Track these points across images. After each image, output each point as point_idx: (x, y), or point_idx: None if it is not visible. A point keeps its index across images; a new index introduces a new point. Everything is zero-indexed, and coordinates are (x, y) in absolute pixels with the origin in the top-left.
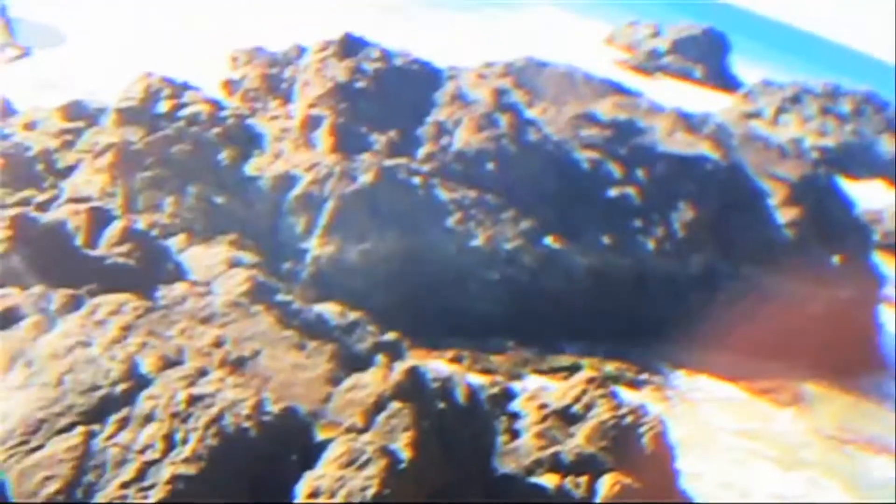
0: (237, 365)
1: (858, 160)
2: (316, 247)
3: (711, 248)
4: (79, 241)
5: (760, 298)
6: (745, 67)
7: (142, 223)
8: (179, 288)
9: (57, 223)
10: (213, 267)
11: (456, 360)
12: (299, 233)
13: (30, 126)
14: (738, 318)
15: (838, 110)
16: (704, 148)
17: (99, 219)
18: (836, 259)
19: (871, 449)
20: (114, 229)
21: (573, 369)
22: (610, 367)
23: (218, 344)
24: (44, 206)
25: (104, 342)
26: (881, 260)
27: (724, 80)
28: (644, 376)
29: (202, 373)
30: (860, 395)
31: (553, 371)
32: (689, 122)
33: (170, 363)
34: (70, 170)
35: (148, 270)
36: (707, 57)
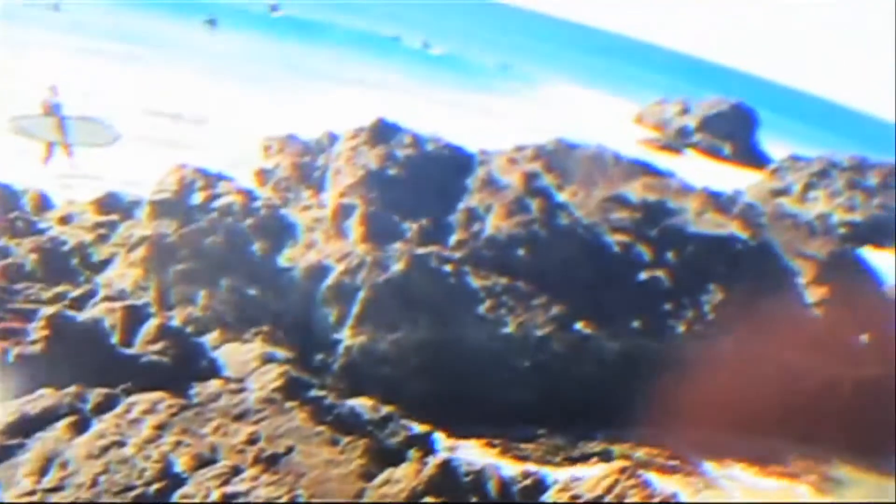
0: (271, 462)
1: (887, 233)
2: (348, 337)
3: (742, 329)
4: (115, 339)
5: (790, 380)
6: (771, 141)
7: (176, 318)
8: (213, 385)
9: (93, 322)
10: (247, 363)
11: (488, 447)
12: (332, 323)
13: (65, 220)
14: (767, 401)
15: (866, 183)
16: (734, 228)
17: (134, 316)
18: (865, 337)
19: None
20: (149, 327)
21: (604, 456)
22: (640, 452)
23: (252, 441)
24: (79, 301)
25: (138, 441)
26: None
27: (753, 156)
28: (675, 462)
29: (236, 471)
30: (889, 476)
31: (585, 458)
32: (719, 202)
33: (204, 461)
34: (105, 263)
35: (182, 368)
36: (736, 133)
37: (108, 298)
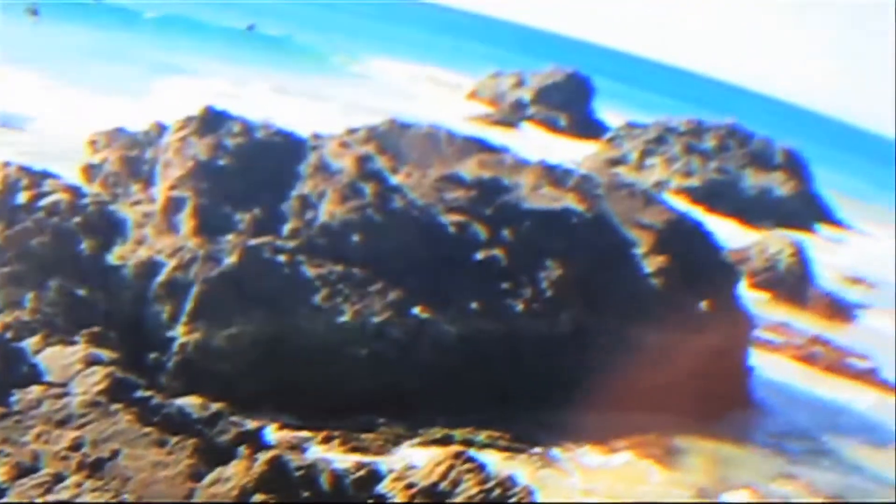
0: (95, 467)
1: (724, 197)
2: (182, 334)
3: (580, 305)
4: None
5: (630, 353)
6: (609, 109)
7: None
8: (35, 391)
9: None
10: (71, 366)
11: (326, 440)
12: (165, 321)
13: None
14: (609, 376)
15: (702, 147)
16: (570, 201)
17: None
18: (704, 304)
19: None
20: None
21: (445, 441)
22: (482, 436)
23: (75, 447)
24: None
25: None
26: (751, 299)
27: (590, 126)
28: (516, 444)
29: (58, 479)
30: (731, 442)
31: (425, 444)
32: (554, 175)
33: (25, 471)
34: None
35: (2, 375)
36: (571, 104)
37: None
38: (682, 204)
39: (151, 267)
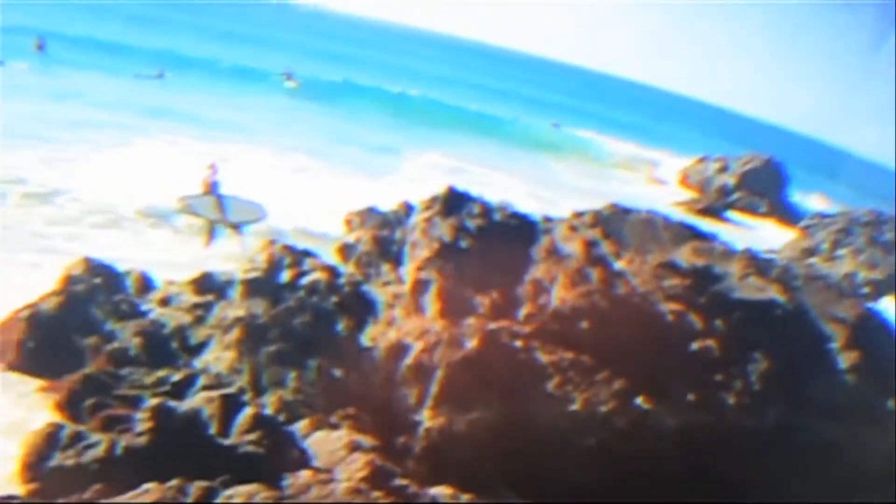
0: None
1: None
2: (427, 419)
3: (785, 400)
4: (212, 429)
5: (825, 452)
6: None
7: (269, 404)
8: (304, 476)
9: (193, 412)
10: (335, 452)
11: None
12: (412, 404)
13: (165, 301)
14: (806, 476)
15: (883, 239)
16: (774, 292)
17: (230, 405)
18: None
19: None
20: (244, 417)
21: None
22: None
23: None
24: (179, 387)
25: None
26: None
27: (786, 212)
28: None
29: None
30: None
31: None
32: (759, 264)
33: None
34: (202, 346)
35: (276, 458)
36: (770, 190)
37: (206, 387)
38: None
39: (400, 349)
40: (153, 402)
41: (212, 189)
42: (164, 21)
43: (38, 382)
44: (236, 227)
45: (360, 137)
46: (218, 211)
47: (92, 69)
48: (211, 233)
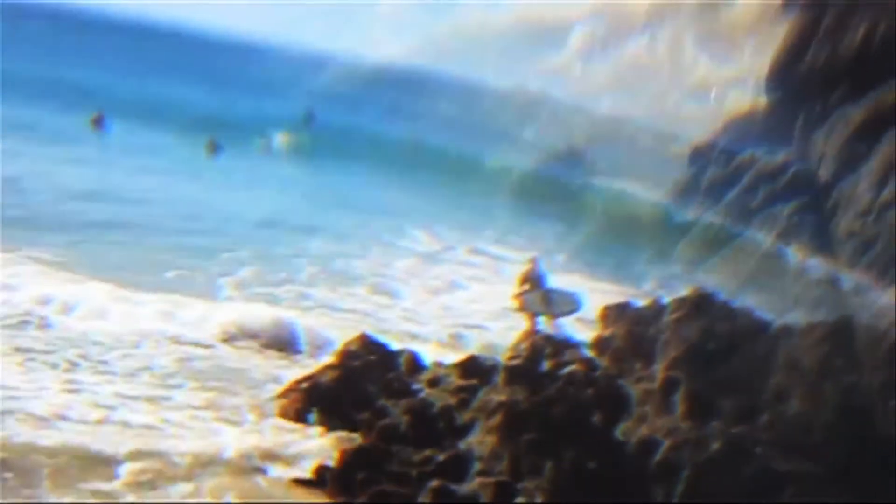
0: None
1: None
2: None
3: None
4: None
5: None
6: None
7: (530, 491)
8: None
9: (472, 495)
10: None
11: None
12: (661, 501)
13: (433, 382)
14: None
15: None
16: None
17: (504, 492)
18: None
19: None
20: None
21: None
22: None
23: None
24: (444, 468)
25: None
26: None
27: None
28: None
29: None
30: None
31: None
32: None
33: None
34: (466, 428)
35: None
36: None
37: (482, 472)
38: None
39: (650, 445)
40: (435, 483)
41: (537, 283)
42: None
43: None
44: (557, 317)
45: None
46: (545, 305)
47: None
48: (534, 324)
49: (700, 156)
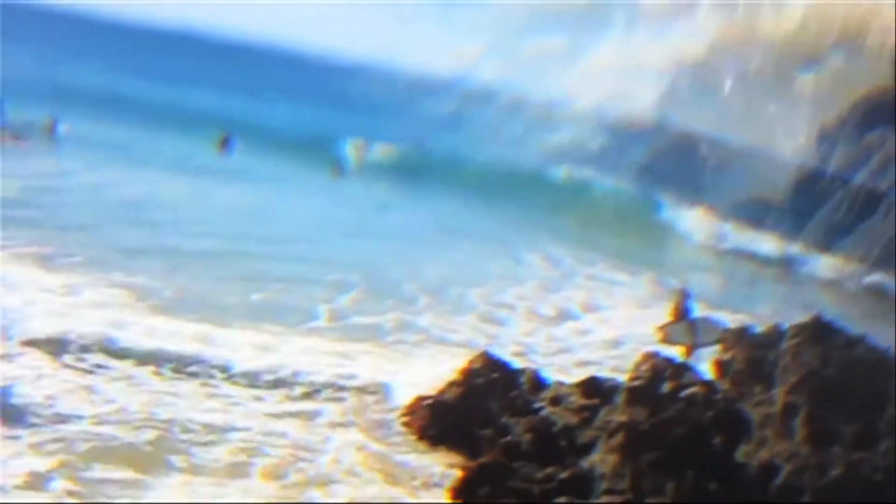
0: None
1: None
2: None
3: None
4: None
5: None
6: None
7: None
8: None
9: None
10: None
11: None
12: None
13: (555, 401)
14: None
15: None
16: None
17: None
18: None
19: None
20: None
21: None
22: None
23: None
24: (566, 485)
25: None
26: None
27: None
28: None
29: None
30: None
31: None
32: None
33: None
34: (587, 448)
35: None
36: None
37: (609, 491)
38: None
39: (771, 469)
40: (562, 499)
41: (684, 314)
42: None
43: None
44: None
45: None
46: (692, 336)
47: None
48: (690, 355)
49: None
